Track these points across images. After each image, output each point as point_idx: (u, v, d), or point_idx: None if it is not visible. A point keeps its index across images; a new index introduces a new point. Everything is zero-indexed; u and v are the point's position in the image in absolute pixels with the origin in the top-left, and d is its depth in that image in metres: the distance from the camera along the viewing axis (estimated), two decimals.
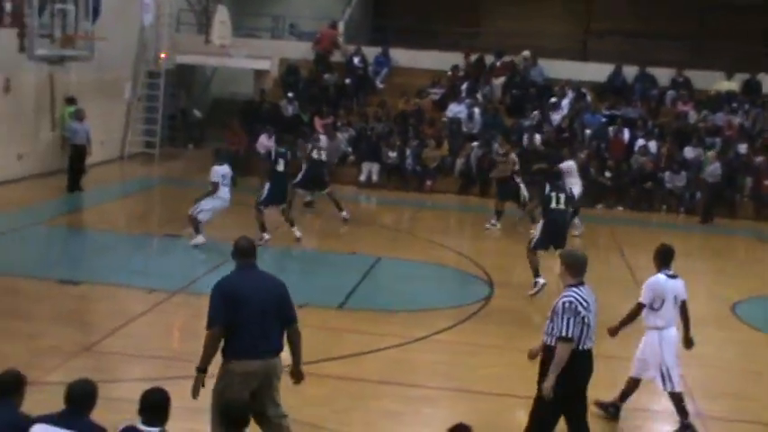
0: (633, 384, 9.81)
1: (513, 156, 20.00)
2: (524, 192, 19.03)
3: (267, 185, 16.87)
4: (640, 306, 9.56)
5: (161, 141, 27.50)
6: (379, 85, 28.30)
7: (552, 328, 7.81)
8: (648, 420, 10.38)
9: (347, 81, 27.84)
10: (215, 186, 16.10)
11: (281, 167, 16.84)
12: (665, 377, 9.44)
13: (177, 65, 28.45)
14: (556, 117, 26.00)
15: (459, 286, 15.47)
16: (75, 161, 20.95)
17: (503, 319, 13.19)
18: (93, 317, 12.24)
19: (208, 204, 16.17)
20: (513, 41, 28.57)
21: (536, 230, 14.41)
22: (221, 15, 26.42)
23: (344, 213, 19.07)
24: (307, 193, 19.68)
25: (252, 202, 16.85)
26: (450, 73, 27.85)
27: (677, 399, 9.54)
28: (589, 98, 26.89)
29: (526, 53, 27.81)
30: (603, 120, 25.88)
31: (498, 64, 27.66)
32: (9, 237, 16.54)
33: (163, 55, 27.16)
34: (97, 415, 6.23)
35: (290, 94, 26.62)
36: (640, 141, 24.64)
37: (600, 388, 10.64)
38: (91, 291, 13.62)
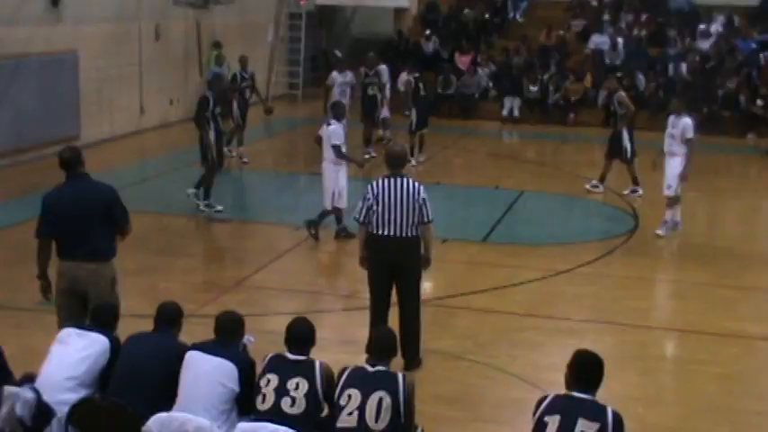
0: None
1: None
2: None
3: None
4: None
5: (303, 82, 27.91)
6: (519, 19, 27.92)
7: None
8: None
9: (486, 16, 27.58)
10: None
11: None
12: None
13: (318, 6, 28.65)
14: (704, 45, 25.14)
15: (603, 219, 15.25)
16: None
17: (647, 251, 12.96)
18: (243, 253, 12.62)
19: None
20: None
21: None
22: None
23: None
24: None
25: None
26: (594, 3, 27.26)
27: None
28: (739, 24, 25.88)
29: None
30: (755, 46, 24.85)
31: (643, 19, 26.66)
32: (163, 178, 17.20)
33: None
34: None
35: (427, 32, 26.57)
36: None
37: (745, 320, 10.49)
38: (240, 228, 14.06)
